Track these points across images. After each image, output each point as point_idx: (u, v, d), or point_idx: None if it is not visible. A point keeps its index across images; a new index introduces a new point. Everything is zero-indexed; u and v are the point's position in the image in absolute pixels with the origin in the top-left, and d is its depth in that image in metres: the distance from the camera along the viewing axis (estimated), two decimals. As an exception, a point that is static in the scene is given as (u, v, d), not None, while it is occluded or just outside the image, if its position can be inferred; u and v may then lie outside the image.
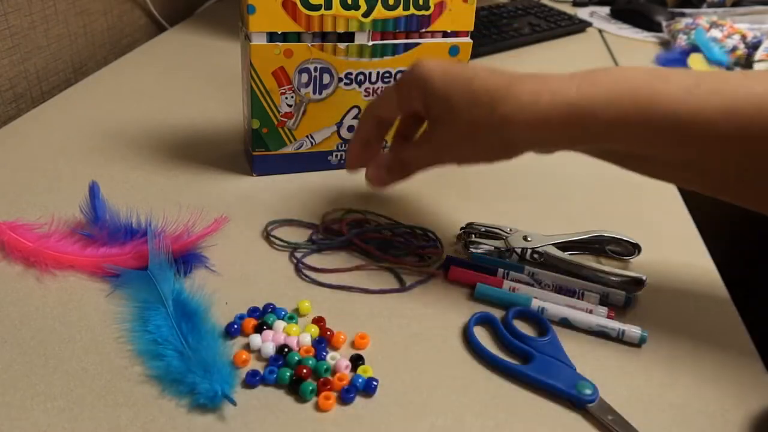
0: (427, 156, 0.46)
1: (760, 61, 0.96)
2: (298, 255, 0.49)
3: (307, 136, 0.59)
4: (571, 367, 0.41)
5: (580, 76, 0.40)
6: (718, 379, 0.41)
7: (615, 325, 0.44)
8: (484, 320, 0.45)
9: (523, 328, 0.45)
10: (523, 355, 0.42)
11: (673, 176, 0.44)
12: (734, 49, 1.00)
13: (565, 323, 0.45)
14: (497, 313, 0.45)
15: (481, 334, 0.44)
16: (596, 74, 0.40)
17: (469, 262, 0.49)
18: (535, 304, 0.45)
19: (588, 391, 0.39)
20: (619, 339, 0.44)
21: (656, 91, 0.38)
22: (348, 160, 0.50)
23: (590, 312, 0.45)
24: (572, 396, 0.39)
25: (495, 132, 0.41)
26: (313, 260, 0.49)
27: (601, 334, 0.44)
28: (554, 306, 0.45)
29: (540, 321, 0.45)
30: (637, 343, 0.43)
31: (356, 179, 0.60)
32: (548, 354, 0.41)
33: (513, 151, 0.43)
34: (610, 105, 0.38)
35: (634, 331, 0.43)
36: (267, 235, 0.51)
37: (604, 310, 0.45)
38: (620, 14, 1.24)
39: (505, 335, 0.43)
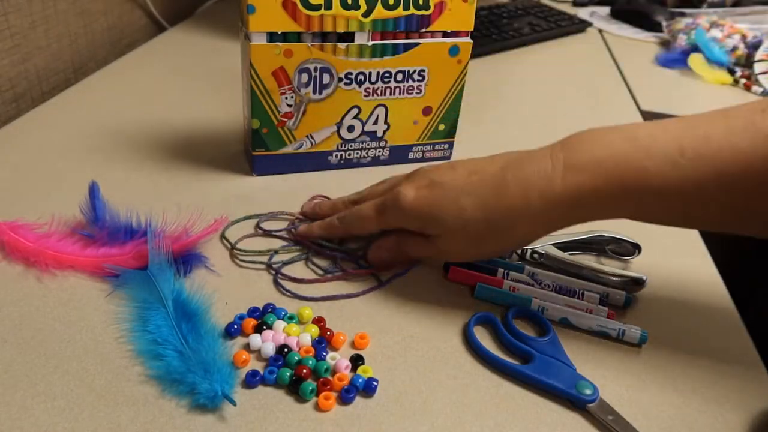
0: (431, 255, 0.47)
1: (760, 61, 0.96)
2: (276, 266, 0.48)
3: (307, 136, 0.59)
4: (571, 367, 0.41)
5: (558, 160, 0.40)
6: (718, 380, 0.41)
7: (615, 325, 0.44)
8: (484, 320, 0.45)
9: (524, 328, 0.45)
10: (523, 356, 0.42)
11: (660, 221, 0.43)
12: (734, 48, 1.00)
13: (566, 323, 0.45)
14: (497, 314, 0.45)
15: (482, 334, 0.44)
16: (574, 153, 0.40)
17: (468, 262, 0.49)
18: (535, 304, 0.45)
19: (588, 391, 0.39)
20: (619, 339, 0.44)
21: (641, 170, 0.38)
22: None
23: (590, 312, 0.45)
24: (572, 396, 0.39)
25: (497, 239, 0.43)
26: (293, 269, 0.49)
27: (602, 334, 0.44)
28: (554, 306, 0.45)
29: (540, 321, 0.45)
30: (637, 343, 0.43)
31: (356, 179, 0.60)
32: (548, 354, 0.41)
33: (519, 245, 0.48)
34: (598, 193, 0.39)
35: (634, 331, 0.43)
36: (232, 248, 0.50)
37: (604, 310, 0.45)
38: (620, 14, 1.24)
39: (505, 335, 0.43)
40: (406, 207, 0.44)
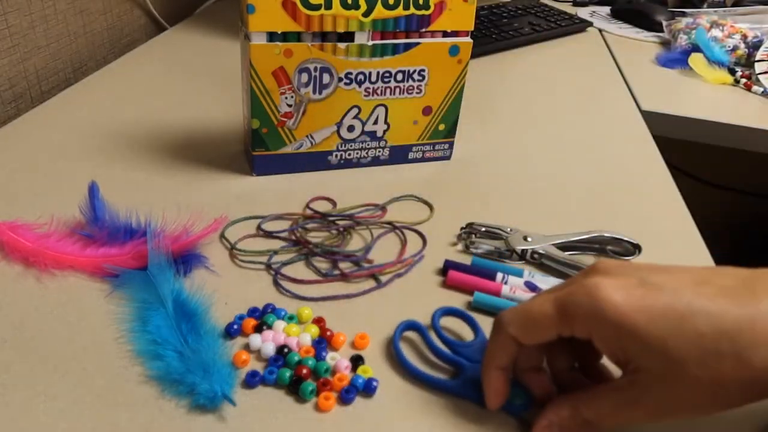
0: (632, 420, 0.33)
1: (760, 60, 0.96)
2: (276, 267, 0.48)
3: (307, 136, 0.59)
4: None
5: None
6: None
7: None
8: (412, 328, 0.43)
9: (458, 327, 0.43)
10: (453, 366, 0.40)
11: None
12: (735, 48, 1.00)
13: None
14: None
15: (413, 343, 0.42)
16: None
17: (468, 266, 0.49)
18: None
19: (519, 401, 0.37)
20: None
21: None
22: (489, 399, 0.37)
23: None
24: (504, 407, 0.37)
25: (746, 388, 0.31)
26: (292, 269, 0.48)
27: None
28: None
29: (468, 320, 0.43)
30: None
31: (356, 179, 0.60)
32: (479, 360, 0.39)
33: (755, 400, 0.32)
34: None
35: None
36: (231, 248, 0.50)
37: None
38: (620, 14, 1.24)
39: (433, 345, 0.41)
40: (608, 309, 0.31)
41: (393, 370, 0.40)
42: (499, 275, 0.47)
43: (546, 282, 0.47)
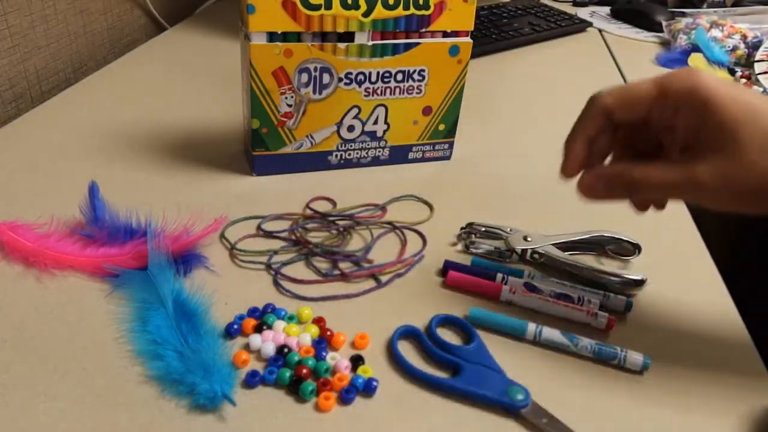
0: (676, 186, 0.37)
1: (760, 60, 0.96)
2: (275, 267, 0.48)
3: (307, 136, 0.59)
4: (500, 372, 0.40)
5: None
6: (718, 379, 0.41)
7: (615, 351, 0.41)
8: (409, 334, 0.43)
9: (450, 336, 0.43)
10: (451, 367, 0.40)
11: None
12: (735, 48, 1.00)
13: (562, 349, 0.42)
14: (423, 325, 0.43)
15: (409, 348, 0.42)
16: None
17: (467, 267, 0.48)
18: (530, 332, 0.43)
19: (520, 396, 0.38)
20: (621, 366, 0.41)
21: None
22: (566, 163, 0.41)
23: (592, 315, 0.44)
24: (505, 403, 0.37)
25: None
26: (292, 269, 0.48)
27: (601, 359, 0.42)
28: (551, 331, 0.43)
29: (465, 327, 0.43)
30: (639, 371, 0.41)
31: (356, 179, 0.60)
32: (476, 362, 0.40)
33: None
34: None
35: (636, 357, 0.41)
36: (231, 248, 0.50)
37: (604, 315, 0.44)
38: (620, 14, 1.24)
39: (431, 348, 0.41)
40: (705, 88, 0.36)
41: (393, 370, 0.40)
42: (499, 275, 0.47)
43: (546, 282, 0.47)
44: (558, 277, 0.49)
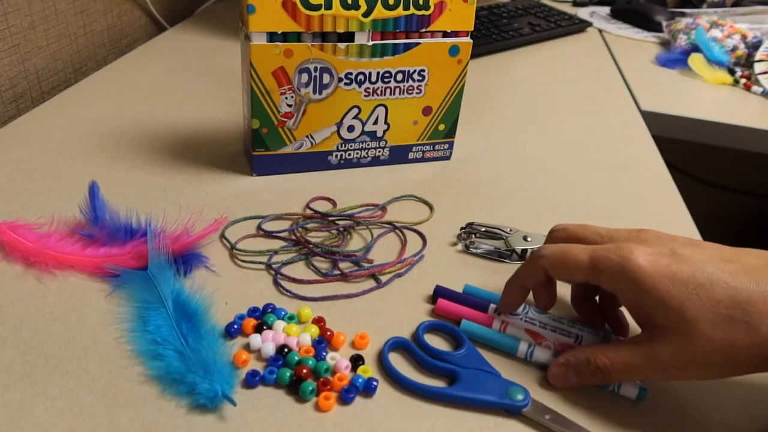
0: (642, 369, 0.36)
1: (760, 60, 0.96)
2: (276, 266, 0.48)
3: (307, 136, 0.59)
4: (496, 374, 0.39)
5: None
6: (718, 380, 0.41)
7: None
8: (399, 346, 0.42)
9: (440, 344, 0.42)
10: (447, 375, 0.40)
11: None
12: (734, 48, 1.00)
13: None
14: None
15: (402, 360, 0.41)
16: None
17: (459, 295, 0.46)
18: (522, 351, 0.41)
19: (520, 396, 0.37)
20: (614, 392, 0.39)
21: None
22: (501, 304, 0.43)
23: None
24: (506, 405, 0.37)
25: (754, 353, 0.34)
26: (292, 269, 0.48)
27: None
28: (543, 352, 0.41)
29: (453, 333, 0.43)
30: (635, 399, 0.39)
31: (355, 179, 0.60)
32: (471, 366, 0.39)
33: (763, 369, 0.35)
34: None
35: (630, 387, 0.39)
36: (231, 248, 0.49)
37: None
38: (620, 14, 1.24)
39: (423, 358, 0.40)
40: (634, 270, 0.35)
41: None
42: (492, 307, 0.44)
43: (543, 317, 0.43)
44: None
